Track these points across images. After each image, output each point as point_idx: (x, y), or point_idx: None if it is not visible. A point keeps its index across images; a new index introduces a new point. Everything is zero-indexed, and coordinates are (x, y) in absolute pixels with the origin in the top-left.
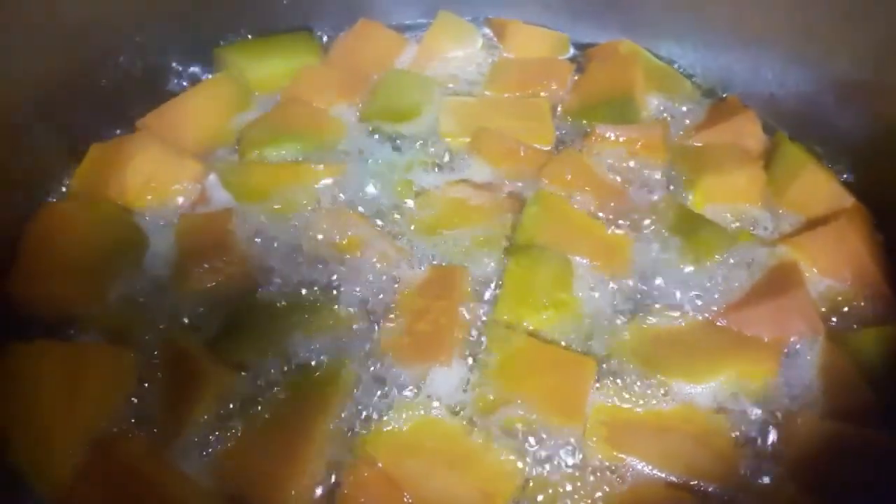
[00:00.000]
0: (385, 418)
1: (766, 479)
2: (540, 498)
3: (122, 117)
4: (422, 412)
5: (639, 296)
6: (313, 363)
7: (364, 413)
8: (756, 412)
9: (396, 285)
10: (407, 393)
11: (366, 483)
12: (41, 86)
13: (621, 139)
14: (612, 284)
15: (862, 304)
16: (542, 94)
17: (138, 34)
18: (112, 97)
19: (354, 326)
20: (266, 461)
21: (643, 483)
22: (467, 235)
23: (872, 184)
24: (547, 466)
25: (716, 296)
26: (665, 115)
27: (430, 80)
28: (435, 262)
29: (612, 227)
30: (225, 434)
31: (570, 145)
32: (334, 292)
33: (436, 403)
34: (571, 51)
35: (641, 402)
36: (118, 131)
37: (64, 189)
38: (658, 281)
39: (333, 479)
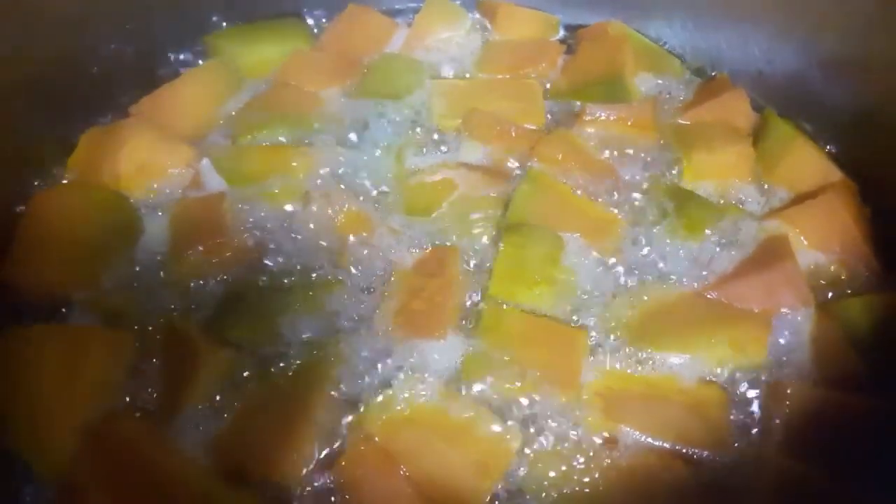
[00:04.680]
0: (381, 394)
1: (757, 447)
2: (535, 468)
3: (114, 104)
4: (418, 387)
5: (630, 270)
6: (309, 341)
7: (360, 389)
8: (746, 382)
9: (391, 265)
10: (403, 369)
11: (363, 457)
12: (34, 73)
13: (611, 118)
14: (603, 260)
15: (850, 274)
16: (533, 75)
17: (129, 21)
18: (104, 84)
19: (349, 305)
20: (263, 439)
21: (637, 452)
22: (460, 215)
23: (859, 158)
24: (542, 438)
25: (706, 269)
26: (655, 94)
27: (420, 63)
28: (428, 242)
29: (603, 204)
30: (222, 412)
31: (560, 125)
32: (328, 272)
33: (431, 378)
34: (561, 32)
35: (634, 373)
36: (111, 118)
37: (58, 176)
38: (648, 256)
39: (330, 454)
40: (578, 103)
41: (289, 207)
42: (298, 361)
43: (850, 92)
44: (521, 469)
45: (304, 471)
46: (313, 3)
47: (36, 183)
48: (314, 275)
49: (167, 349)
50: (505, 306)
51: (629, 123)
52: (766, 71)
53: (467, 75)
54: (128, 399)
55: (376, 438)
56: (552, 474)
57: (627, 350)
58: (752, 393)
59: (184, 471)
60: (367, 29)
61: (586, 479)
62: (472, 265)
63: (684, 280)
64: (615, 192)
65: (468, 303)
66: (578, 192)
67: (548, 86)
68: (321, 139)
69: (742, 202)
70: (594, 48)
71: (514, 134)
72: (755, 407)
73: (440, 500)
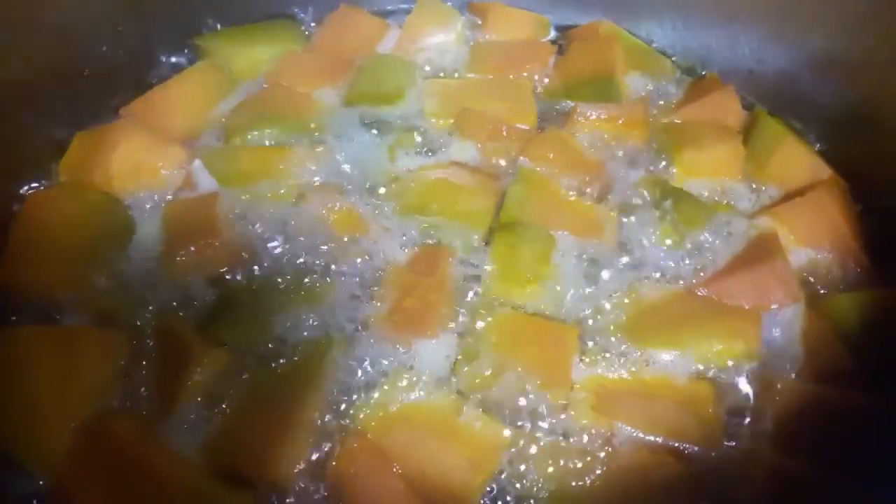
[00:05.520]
0: (374, 392)
1: (747, 442)
2: (527, 465)
3: (106, 106)
4: (410, 385)
5: (621, 269)
6: (302, 340)
7: (353, 387)
8: (737, 378)
9: (383, 264)
10: (395, 367)
11: (355, 455)
12: (26, 76)
13: (602, 117)
14: (594, 258)
15: (839, 270)
16: (524, 75)
17: (122, 24)
18: (97, 86)
19: (342, 304)
20: (256, 437)
21: (629, 447)
22: (452, 214)
23: (848, 155)
24: (534, 434)
25: (697, 267)
26: (645, 93)
27: (412, 64)
28: (421, 241)
29: (594, 203)
30: (215, 412)
31: (552, 125)
32: (321, 272)
33: (423, 376)
34: (552, 33)
35: (625, 370)
36: (103, 119)
37: (50, 177)
38: (639, 254)
39: (323, 452)
40: (570, 103)
41: (281, 207)
42: (291, 360)
43: (840, 90)
44: (513, 465)
45: (297, 469)
46: (305, 4)
47: (29, 184)
48: (307, 274)
49: (160, 349)
50: (497, 304)
51: (620, 123)
52: (756, 70)
53: (459, 75)
54: (121, 399)
55: (369, 436)
56: (544, 470)
57: (619, 347)
58: (742, 388)
59: (177, 470)
60: (359, 30)
61: (578, 475)
62: (464, 264)
63: (675, 277)
64: (606, 191)
65: (460, 301)
66: (570, 190)
67: (539, 86)
68: (313, 139)
69: (732, 200)
70: (585, 48)
71: (505, 133)
72: (746, 402)
73: (432, 497)
